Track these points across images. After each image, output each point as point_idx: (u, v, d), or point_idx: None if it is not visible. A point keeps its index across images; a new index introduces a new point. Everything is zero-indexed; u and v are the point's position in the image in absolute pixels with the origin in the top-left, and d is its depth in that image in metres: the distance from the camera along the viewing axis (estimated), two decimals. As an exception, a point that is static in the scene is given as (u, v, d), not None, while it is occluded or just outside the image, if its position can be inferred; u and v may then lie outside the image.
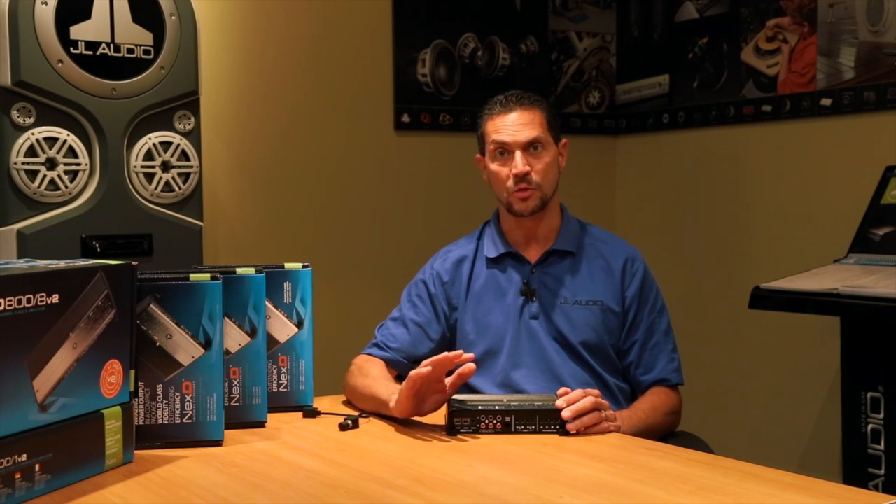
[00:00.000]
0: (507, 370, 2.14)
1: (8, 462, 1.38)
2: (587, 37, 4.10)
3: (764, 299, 2.78)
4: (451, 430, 1.83)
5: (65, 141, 2.70)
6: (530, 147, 2.10)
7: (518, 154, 2.09)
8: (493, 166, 2.13)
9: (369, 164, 3.65)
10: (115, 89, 2.74)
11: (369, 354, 2.20)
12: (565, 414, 1.81)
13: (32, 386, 1.43)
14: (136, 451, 1.64)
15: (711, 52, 3.74)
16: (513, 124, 2.10)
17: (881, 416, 2.65)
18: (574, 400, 1.83)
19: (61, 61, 2.65)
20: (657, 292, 2.20)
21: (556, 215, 2.20)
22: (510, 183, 2.10)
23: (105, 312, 1.56)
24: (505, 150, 2.11)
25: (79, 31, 2.68)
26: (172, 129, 2.87)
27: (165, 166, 2.85)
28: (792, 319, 3.22)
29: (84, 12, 2.69)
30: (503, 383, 2.14)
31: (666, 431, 2.07)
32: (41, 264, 1.57)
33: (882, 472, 2.64)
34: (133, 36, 2.77)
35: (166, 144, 2.85)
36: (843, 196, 3.26)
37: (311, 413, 1.99)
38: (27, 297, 1.41)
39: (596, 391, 1.89)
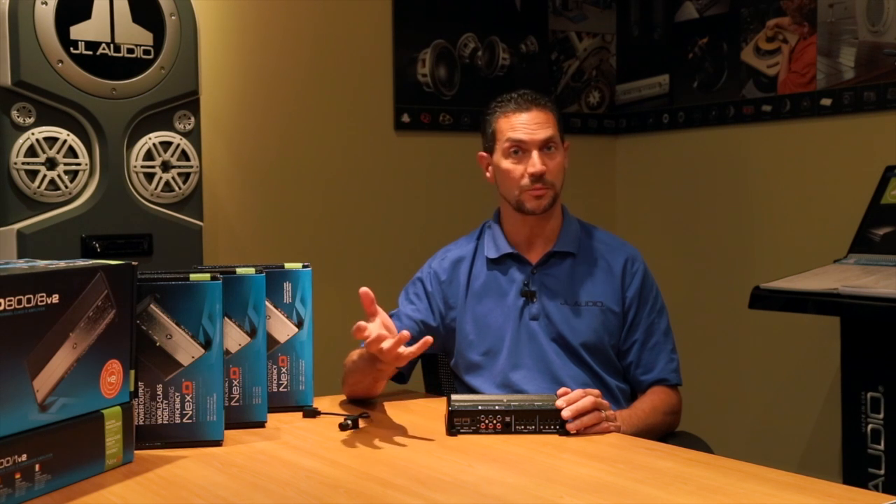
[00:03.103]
0: (507, 371, 2.14)
1: (8, 462, 1.38)
2: (587, 37, 4.10)
3: (764, 299, 2.78)
4: (451, 430, 1.83)
5: (65, 141, 2.70)
6: (545, 147, 2.10)
7: (535, 154, 2.08)
8: (507, 164, 2.12)
9: (369, 164, 3.65)
10: (115, 89, 2.74)
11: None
12: (565, 414, 1.81)
13: (32, 386, 1.43)
14: (136, 451, 1.64)
15: (711, 52, 3.74)
16: (530, 123, 2.09)
17: (881, 416, 2.65)
18: (574, 400, 1.83)
19: (61, 61, 2.65)
20: (657, 292, 2.20)
21: (558, 216, 2.20)
22: (525, 181, 2.09)
23: (105, 312, 1.56)
24: (520, 149, 2.10)
25: (79, 31, 2.68)
26: (172, 129, 2.87)
27: (165, 166, 2.85)
28: (792, 319, 3.22)
29: (84, 12, 2.69)
30: (503, 384, 2.14)
31: (666, 431, 2.07)
32: (41, 264, 1.57)
33: (882, 472, 2.64)
34: (133, 36, 2.77)
35: (166, 144, 2.85)
36: (843, 196, 3.26)
37: (311, 413, 1.99)
38: (27, 297, 1.41)
39: (596, 391, 1.89)
